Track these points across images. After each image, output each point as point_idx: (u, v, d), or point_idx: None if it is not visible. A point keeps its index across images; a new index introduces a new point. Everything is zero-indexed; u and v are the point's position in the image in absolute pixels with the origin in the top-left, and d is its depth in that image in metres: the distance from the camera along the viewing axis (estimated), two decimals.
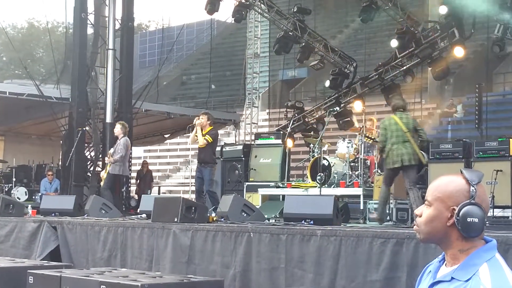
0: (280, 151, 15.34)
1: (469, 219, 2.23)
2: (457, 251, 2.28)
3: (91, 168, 16.95)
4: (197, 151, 12.84)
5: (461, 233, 2.25)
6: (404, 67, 18.29)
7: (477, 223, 2.23)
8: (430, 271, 2.39)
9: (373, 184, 11.96)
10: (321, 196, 11.17)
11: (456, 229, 2.26)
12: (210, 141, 12.00)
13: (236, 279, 8.42)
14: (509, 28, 15.77)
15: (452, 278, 2.24)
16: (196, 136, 12.08)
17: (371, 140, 12.71)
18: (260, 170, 15.24)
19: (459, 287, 2.20)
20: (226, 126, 24.29)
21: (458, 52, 17.24)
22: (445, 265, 2.33)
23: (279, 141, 15.78)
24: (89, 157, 17.17)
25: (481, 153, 11.88)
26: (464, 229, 2.25)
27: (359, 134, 13.68)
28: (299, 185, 13.56)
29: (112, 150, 13.75)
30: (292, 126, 18.35)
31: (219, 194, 14.24)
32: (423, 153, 10.31)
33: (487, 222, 2.26)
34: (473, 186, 2.26)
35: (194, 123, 12.16)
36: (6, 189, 18.64)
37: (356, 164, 13.14)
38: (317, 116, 19.92)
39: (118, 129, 13.71)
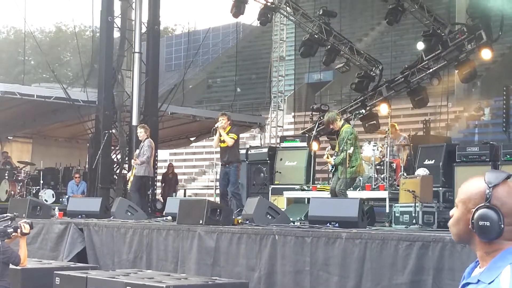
0: (306, 154, 15.30)
1: (480, 223, 2.21)
2: (484, 253, 2.27)
3: (118, 171, 17.05)
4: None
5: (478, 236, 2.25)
6: (431, 70, 18.17)
7: (489, 227, 2.20)
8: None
9: (399, 187, 11.88)
10: (346, 199, 11.12)
11: None
12: (235, 138, 12.02)
13: (261, 281, 8.43)
14: None
15: (478, 280, 2.24)
16: (221, 138, 12.08)
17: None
18: (286, 173, 15.21)
19: None
20: (252, 129, 24.31)
21: (486, 54, 17.10)
22: (479, 266, 2.32)
23: (305, 144, 15.75)
24: (115, 159, 17.27)
25: (508, 156, 11.78)
26: (478, 233, 2.23)
27: (385, 137, 13.63)
28: (324, 188, 13.51)
29: (137, 151, 13.87)
30: (318, 129, 18.31)
31: (244, 197, 14.22)
32: None
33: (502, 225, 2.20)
34: (488, 189, 2.23)
35: (216, 126, 12.17)
36: (34, 192, 18.80)
37: (382, 167, 13.06)
38: (342, 119, 19.85)
39: (142, 133, 13.95)
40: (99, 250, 10.90)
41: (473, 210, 2.24)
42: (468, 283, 2.28)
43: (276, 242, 8.35)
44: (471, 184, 2.31)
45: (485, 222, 2.20)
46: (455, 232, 2.33)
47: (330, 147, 11.88)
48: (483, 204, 2.22)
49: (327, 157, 11.38)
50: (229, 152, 12.04)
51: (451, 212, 2.36)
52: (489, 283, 2.18)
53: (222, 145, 12.11)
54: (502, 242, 2.23)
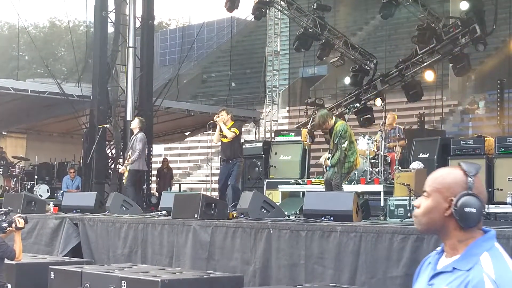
0: (300, 148, 15.32)
1: (466, 209, 2.27)
2: (456, 242, 2.31)
3: (112, 166, 17.04)
4: (219, 148, 12.72)
5: (459, 223, 2.29)
6: (425, 64, 18.19)
7: (474, 214, 2.27)
8: (430, 262, 2.43)
9: (393, 181, 11.91)
10: (341, 192, 11.12)
11: (454, 219, 2.30)
12: (237, 133, 11.85)
13: (256, 275, 8.43)
14: None
15: (454, 268, 2.27)
16: (221, 132, 11.92)
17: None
18: (280, 167, 15.22)
19: (461, 276, 2.23)
20: (246, 124, 24.29)
21: (480, 48, 17.15)
22: (445, 256, 2.36)
23: (299, 138, 15.77)
24: (110, 154, 17.26)
25: (502, 149, 11.80)
26: (461, 220, 2.28)
27: (380, 130, 13.63)
28: (319, 182, 13.53)
29: (129, 144, 13.71)
30: (312, 123, 18.32)
31: None
32: None
33: (484, 213, 2.31)
34: (470, 178, 2.30)
35: (214, 120, 12.04)
36: (29, 187, 18.79)
37: (377, 161, 13.09)
38: (337, 113, 19.87)
39: (135, 123, 13.69)
40: (94, 245, 10.89)
41: (453, 198, 2.29)
42: (439, 273, 2.32)
43: (271, 236, 8.36)
44: (446, 173, 2.35)
45: (471, 209, 2.27)
46: (426, 221, 2.35)
47: (322, 157, 11.75)
48: (466, 192, 2.28)
49: (324, 161, 11.33)
50: (231, 147, 11.90)
51: (417, 202, 2.39)
52: (468, 270, 2.22)
53: (224, 140, 11.96)
54: (475, 231, 2.30)
